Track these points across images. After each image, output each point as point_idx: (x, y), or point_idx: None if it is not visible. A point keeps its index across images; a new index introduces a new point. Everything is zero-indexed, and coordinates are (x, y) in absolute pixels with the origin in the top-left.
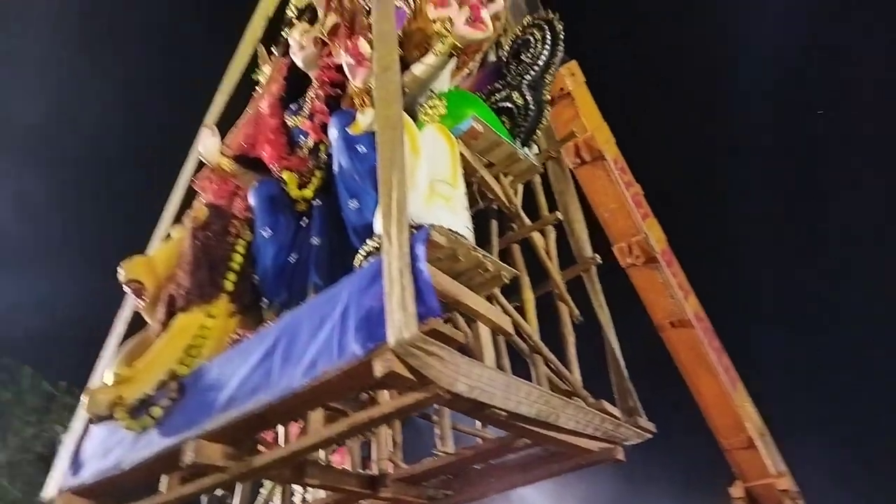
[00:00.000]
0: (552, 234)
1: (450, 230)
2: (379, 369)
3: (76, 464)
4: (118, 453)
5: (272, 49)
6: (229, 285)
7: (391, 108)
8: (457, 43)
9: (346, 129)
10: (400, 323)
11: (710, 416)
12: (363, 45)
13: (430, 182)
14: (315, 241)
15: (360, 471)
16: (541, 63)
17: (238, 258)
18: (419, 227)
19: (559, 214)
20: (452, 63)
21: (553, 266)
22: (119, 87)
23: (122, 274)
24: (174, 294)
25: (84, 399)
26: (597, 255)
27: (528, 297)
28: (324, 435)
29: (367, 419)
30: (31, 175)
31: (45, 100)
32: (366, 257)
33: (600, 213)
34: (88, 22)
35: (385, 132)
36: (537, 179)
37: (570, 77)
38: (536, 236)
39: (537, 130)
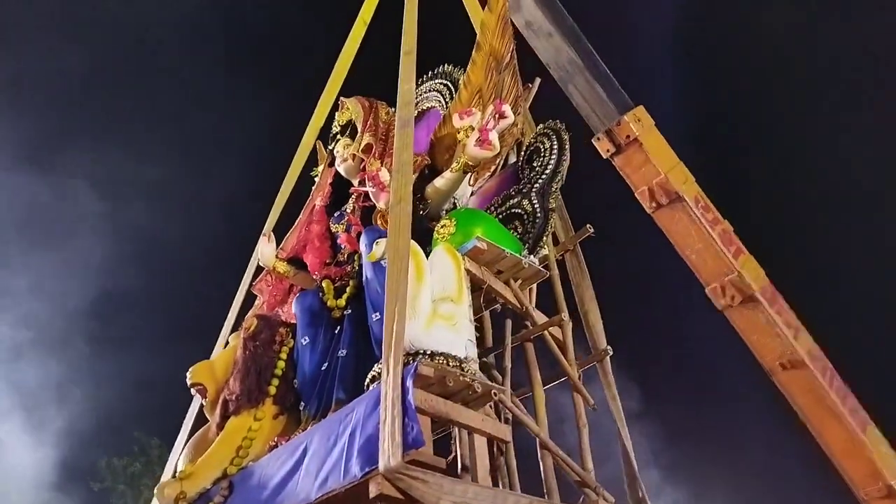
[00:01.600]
0: (568, 326)
1: (443, 354)
2: (373, 491)
3: None
4: None
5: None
6: (273, 390)
7: (400, 240)
8: (469, 162)
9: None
10: (388, 452)
11: (841, 466)
12: (384, 173)
13: (433, 305)
14: (341, 352)
15: None
16: (548, 172)
17: (281, 364)
18: (416, 355)
19: (564, 316)
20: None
21: (569, 359)
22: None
23: (188, 377)
24: (227, 398)
25: (155, 492)
26: (609, 347)
27: (538, 394)
28: None
29: None
30: (146, 274)
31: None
32: (371, 381)
33: (686, 256)
34: (189, 147)
35: (393, 264)
36: (556, 272)
37: (636, 123)
38: (554, 330)
39: (545, 234)
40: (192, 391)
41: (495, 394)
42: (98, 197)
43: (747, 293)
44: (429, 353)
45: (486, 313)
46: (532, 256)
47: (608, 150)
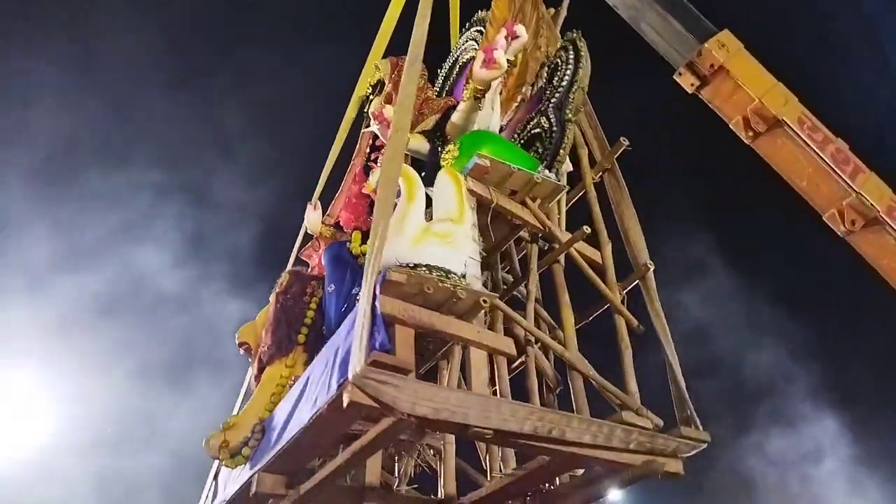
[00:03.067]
0: (607, 247)
1: (431, 266)
2: (345, 400)
3: (214, 496)
4: (229, 487)
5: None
6: (302, 338)
7: (391, 166)
8: (477, 86)
9: None
10: (356, 358)
11: None
12: (388, 110)
13: (427, 224)
14: (355, 290)
15: (432, 496)
16: (564, 84)
17: (311, 314)
18: (412, 266)
19: (586, 229)
20: (496, 101)
21: (609, 280)
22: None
23: (236, 338)
24: (262, 351)
25: (202, 444)
26: (650, 262)
27: (566, 315)
28: (337, 463)
29: (358, 449)
30: None
31: None
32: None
33: (797, 184)
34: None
35: (383, 187)
36: (593, 194)
37: (720, 49)
38: (594, 254)
39: (562, 147)
40: (241, 351)
41: (485, 301)
42: None
43: (870, 215)
44: (413, 265)
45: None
46: (550, 172)
47: (692, 85)
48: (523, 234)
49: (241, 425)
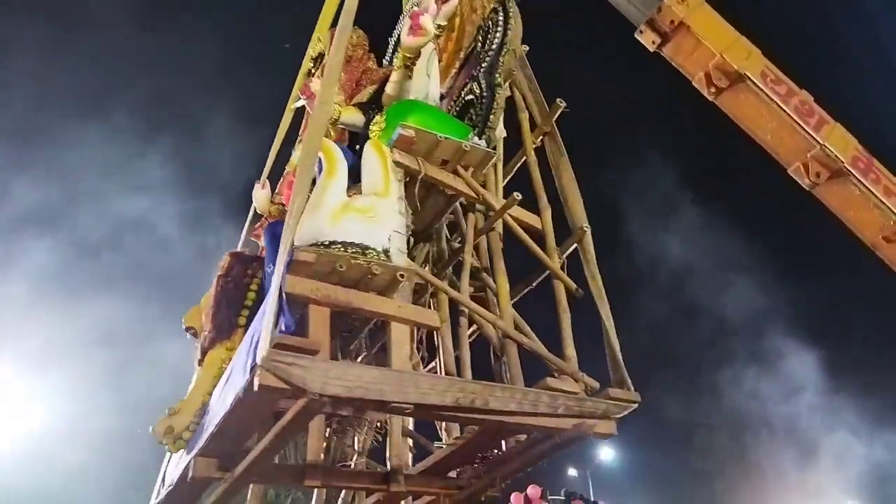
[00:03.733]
0: (547, 212)
1: (349, 244)
2: (255, 384)
3: (163, 481)
4: (172, 473)
5: None
6: (242, 320)
7: (311, 141)
8: (406, 54)
9: None
10: (263, 342)
11: None
12: (315, 83)
13: (347, 199)
14: None
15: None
16: (495, 47)
17: (251, 295)
18: (318, 246)
19: (517, 195)
20: (432, 67)
21: (549, 245)
22: None
23: (182, 323)
24: (203, 335)
25: (150, 430)
26: (586, 226)
27: (501, 282)
28: (263, 445)
29: (279, 430)
30: None
31: None
32: None
33: (761, 139)
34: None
35: (302, 161)
36: (533, 158)
37: (681, 4)
38: (530, 218)
39: (492, 113)
40: (188, 335)
41: (402, 275)
42: None
43: (834, 167)
44: (329, 242)
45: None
46: (481, 139)
47: (654, 42)
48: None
49: (186, 410)
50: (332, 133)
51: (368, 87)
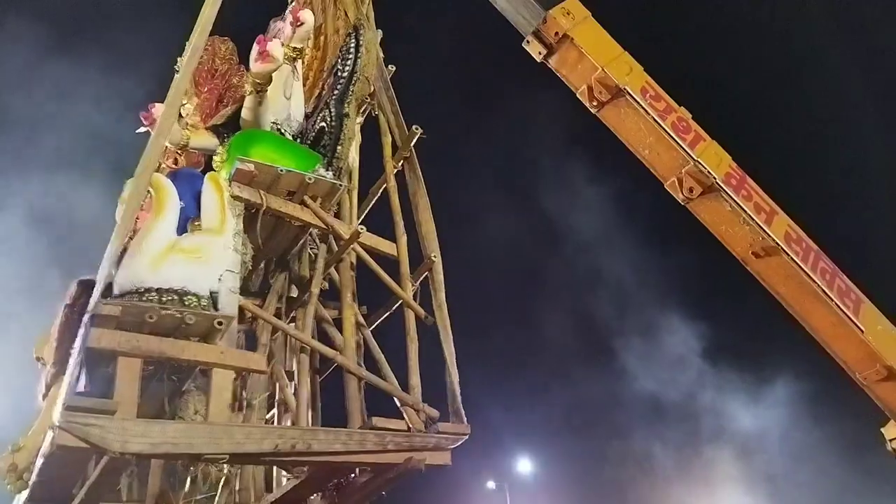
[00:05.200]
0: (403, 239)
1: (168, 290)
2: (53, 444)
3: None
4: None
5: None
6: None
7: (140, 178)
8: (255, 80)
9: None
10: (60, 402)
11: (832, 351)
12: (157, 108)
13: (173, 240)
14: None
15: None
16: (346, 74)
17: None
18: (136, 294)
19: (361, 228)
20: (293, 89)
21: (403, 273)
22: None
23: (34, 353)
24: (47, 370)
25: None
26: (435, 255)
27: (346, 315)
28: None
29: (91, 486)
30: None
31: None
32: None
33: (640, 154)
34: None
35: (129, 202)
36: (392, 184)
37: (566, 17)
38: (387, 247)
39: (340, 143)
40: (39, 366)
41: (219, 323)
42: None
43: (706, 183)
44: (145, 289)
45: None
46: (330, 169)
47: (540, 53)
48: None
49: (28, 448)
50: (182, 160)
51: (227, 108)
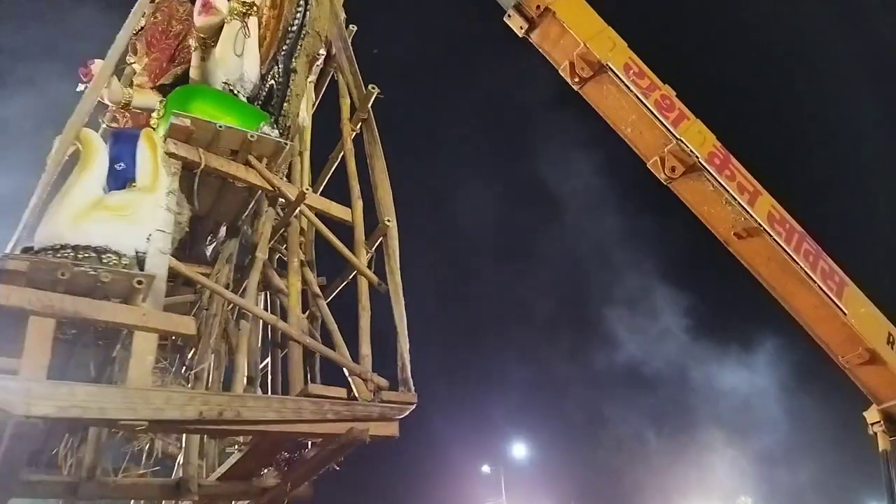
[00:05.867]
0: (358, 204)
1: (90, 248)
2: None
3: None
4: None
5: None
6: None
7: (68, 131)
8: (199, 34)
9: None
10: None
11: (815, 333)
12: (97, 65)
13: (94, 198)
14: None
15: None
16: (294, 29)
17: None
18: (57, 250)
19: (306, 189)
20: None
21: (357, 239)
22: None
23: None
24: None
25: None
26: (388, 219)
27: (292, 281)
28: None
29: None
30: None
31: None
32: None
33: (622, 132)
34: None
35: (53, 156)
36: (349, 147)
37: None
38: (341, 212)
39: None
40: None
41: (139, 282)
42: None
43: (689, 162)
44: (61, 246)
45: None
46: (277, 127)
47: (521, 28)
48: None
49: None
50: (125, 118)
51: (177, 67)
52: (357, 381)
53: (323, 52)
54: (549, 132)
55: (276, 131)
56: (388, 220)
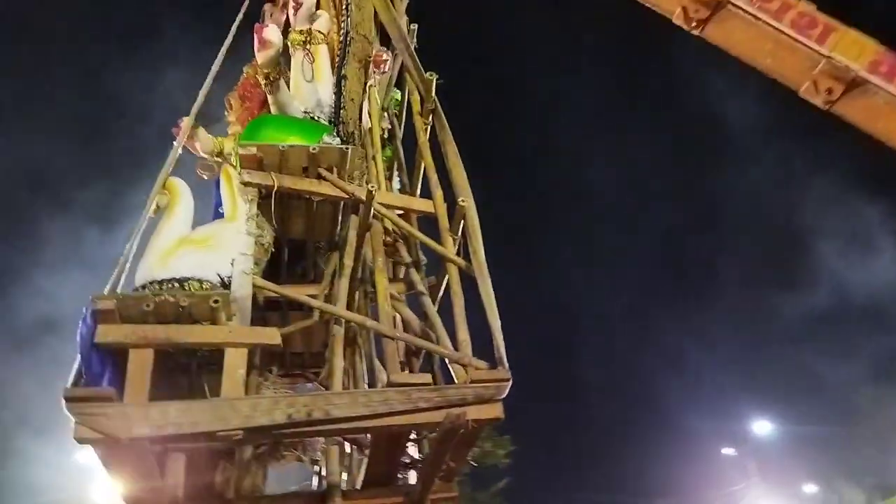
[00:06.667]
0: (438, 192)
1: (176, 280)
2: (77, 437)
3: None
4: None
5: None
6: None
7: (156, 184)
8: (263, 70)
9: None
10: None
11: None
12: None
13: (179, 236)
14: None
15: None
16: (342, 37)
17: None
18: (145, 287)
19: (372, 187)
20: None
21: (443, 227)
22: None
23: None
24: None
25: None
26: (462, 199)
27: (378, 279)
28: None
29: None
30: None
31: None
32: None
33: (762, 65)
34: None
35: (146, 206)
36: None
37: None
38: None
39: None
40: None
41: (216, 301)
42: None
43: (847, 78)
44: (150, 282)
45: None
46: (337, 135)
47: None
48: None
49: None
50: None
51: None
52: (457, 367)
53: (387, 56)
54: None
55: (337, 139)
56: (464, 201)
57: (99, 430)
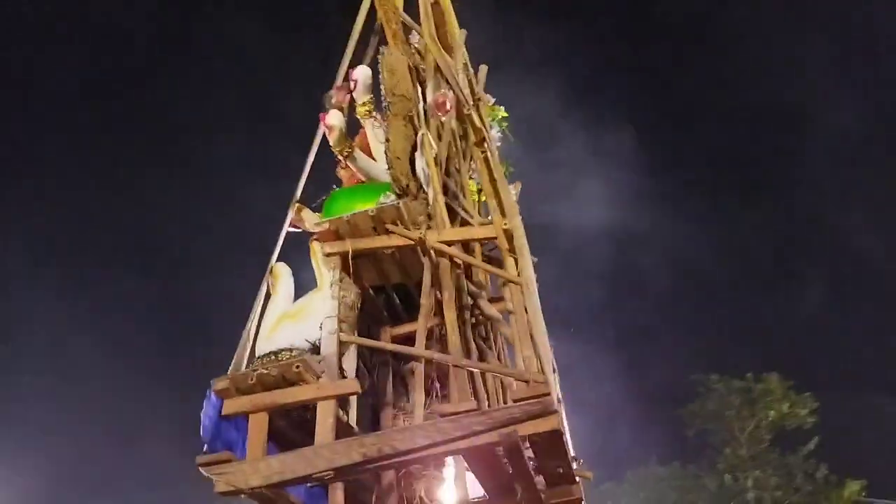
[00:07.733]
0: (496, 216)
1: (277, 351)
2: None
3: None
4: None
5: None
6: None
7: (267, 270)
8: (337, 150)
9: None
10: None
11: None
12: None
13: (280, 313)
14: None
15: None
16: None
17: None
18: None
19: (428, 221)
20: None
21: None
22: None
23: None
24: None
25: None
26: (506, 222)
27: (449, 317)
28: None
29: None
30: None
31: None
32: None
33: None
34: None
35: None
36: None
37: None
38: (481, 233)
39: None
40: None
41: (297, 367)
42: None
43: None
44: (259, 356)
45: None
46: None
47: None
48: None
49: None
50: None
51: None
52: (521, 385)
53: (448, 102)
54: None
55: (392, 196)
56: (506, 224)
57: (229, 484)
